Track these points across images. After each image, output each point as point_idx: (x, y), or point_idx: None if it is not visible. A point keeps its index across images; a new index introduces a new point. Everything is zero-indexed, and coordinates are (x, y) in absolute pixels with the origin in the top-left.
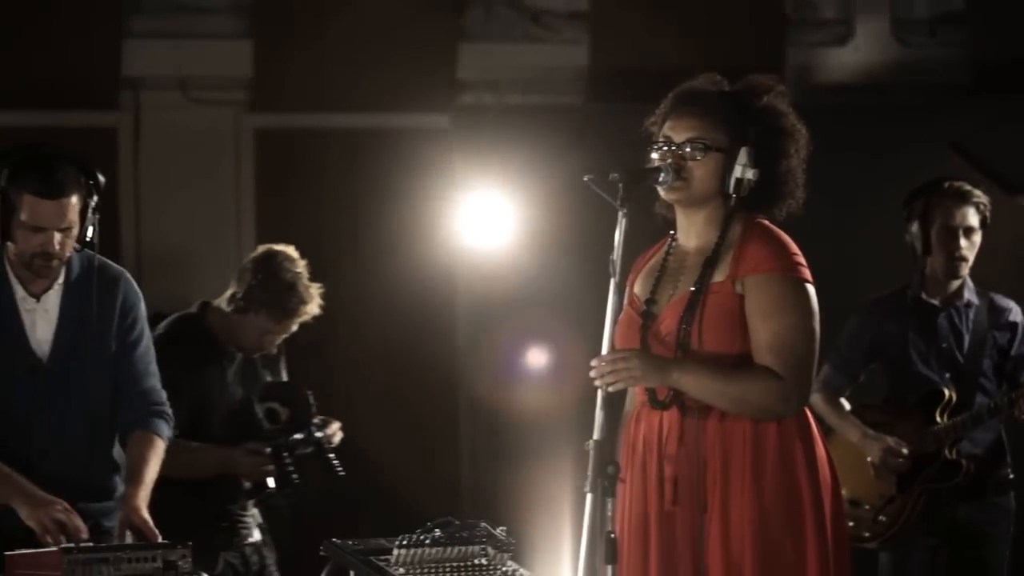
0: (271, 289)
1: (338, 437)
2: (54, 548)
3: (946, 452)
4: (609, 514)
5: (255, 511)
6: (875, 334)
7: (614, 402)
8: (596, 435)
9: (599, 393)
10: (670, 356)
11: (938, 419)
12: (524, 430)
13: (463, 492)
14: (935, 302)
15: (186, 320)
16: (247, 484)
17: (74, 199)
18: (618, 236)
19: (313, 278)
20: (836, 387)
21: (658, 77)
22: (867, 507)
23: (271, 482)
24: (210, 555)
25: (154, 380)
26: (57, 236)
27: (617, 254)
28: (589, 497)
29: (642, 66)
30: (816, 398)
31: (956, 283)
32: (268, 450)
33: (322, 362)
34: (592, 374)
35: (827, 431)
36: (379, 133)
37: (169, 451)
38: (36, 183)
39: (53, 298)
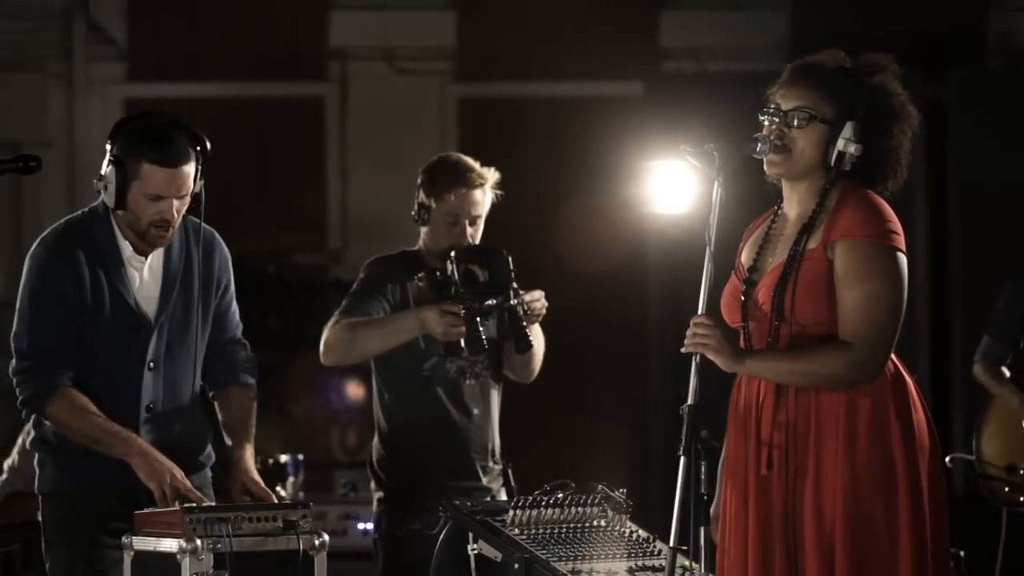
0: (433, 174)
1: (540, 304)
2: (176, 508)
3: None
4: (703, 477)
5: None
6: None
7: (710, 369)
8: (690, 400)
9: (693, 360)
10: (766, 326)
11: None
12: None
13: (652, 456)
14: None
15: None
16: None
17: (190, 167)
18: (713, 206)
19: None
20: (996, 357)
21: (859, 45)
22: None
23: (463, 343)
24: None
25: (239, 332)
26: (175, 204)
27: (712, 223)
28: (682, 460)
29: (843, 33)
30: (977, 368)
31: None
32: (462, 311)
33: None
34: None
35: (989, 399)
36: (580, 101)
37: (367, 326)
38: (155, 152)
39: (158, 257)
